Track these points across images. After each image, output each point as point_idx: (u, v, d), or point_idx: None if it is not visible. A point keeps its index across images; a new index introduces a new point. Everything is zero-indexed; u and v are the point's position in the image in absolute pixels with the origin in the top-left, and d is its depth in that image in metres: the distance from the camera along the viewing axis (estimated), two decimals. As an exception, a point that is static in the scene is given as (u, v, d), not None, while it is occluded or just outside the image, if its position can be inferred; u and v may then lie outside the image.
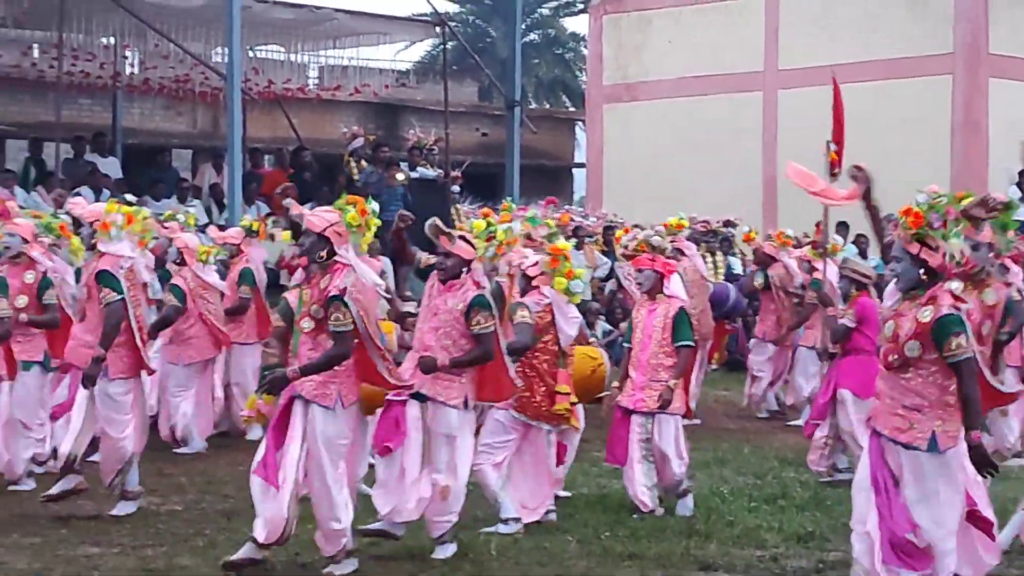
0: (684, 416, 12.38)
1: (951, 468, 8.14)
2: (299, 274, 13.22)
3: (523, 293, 11.40)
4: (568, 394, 11.39)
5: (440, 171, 24.32)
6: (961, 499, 8.23)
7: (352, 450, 9.77)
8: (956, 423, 8.06)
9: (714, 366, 20.60)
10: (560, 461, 11.78)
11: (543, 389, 11.27)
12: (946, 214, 8.07)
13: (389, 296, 15.39)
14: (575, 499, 12.18)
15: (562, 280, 11.21)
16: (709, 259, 21.43)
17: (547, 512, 11.55)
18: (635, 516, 11.92)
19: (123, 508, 11.83)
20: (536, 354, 11.24)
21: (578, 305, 11.99)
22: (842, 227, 24.77)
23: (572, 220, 20.11)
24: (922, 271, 8.12)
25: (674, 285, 12.44)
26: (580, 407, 12.11)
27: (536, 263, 11.40)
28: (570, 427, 11.73)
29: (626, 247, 15.68)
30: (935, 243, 8.05)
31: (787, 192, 29.34)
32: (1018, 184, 27.00)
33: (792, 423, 17.76)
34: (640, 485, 12.06)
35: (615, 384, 12.42)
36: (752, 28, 30.76)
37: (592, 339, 14.39)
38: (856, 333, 13.39)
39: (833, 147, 15.17)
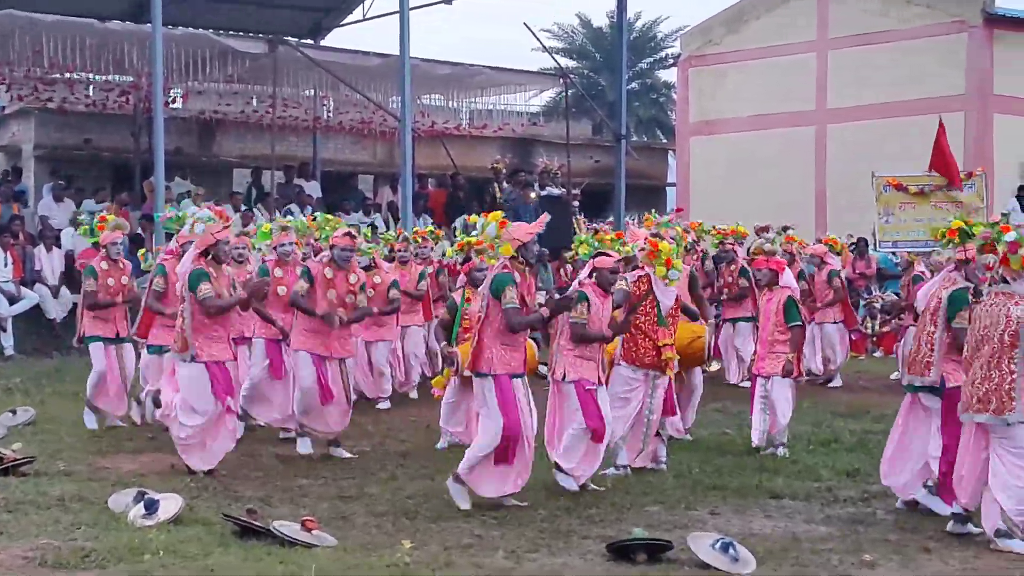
0: (795, 378, 12.19)
1: None
2: (461, 278, 12.97)
3: (632, 270, 11.00)
4: (671, 346, 10.99)
5: (564, 190, 24.22)
6: None
7: None
8: None
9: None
10: (669, 412, 11.28)
11: (648, 343, 10.86)
12: None
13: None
14: (672, 443, 11.90)
15: (661, 268, 10.93)
16: None
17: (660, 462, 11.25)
18: (758, 453, 11.92)
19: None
20: (638, 316, 10.80)
21: None
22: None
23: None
24: None
25: (786, 278, 12.31)
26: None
27: (641, 247, 11.07)
28: (669, 374, 11.17)
29: (747, 251, 15.59)
30: None
31: (834, 204, 29.12)
32: (1017, 197, 26.52)
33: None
34: (755, 429, 12.13)
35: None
36: (806, 76, 30.43)
37: None
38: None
39: (932, 173, 15.08)
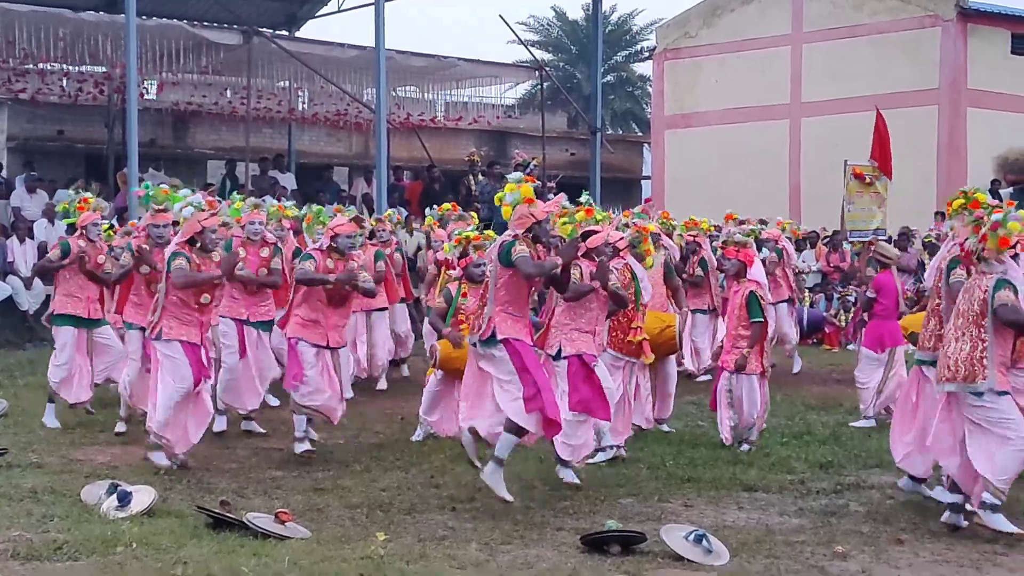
0: (761, 375, 12.06)
1: None
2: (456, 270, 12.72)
3: (609, 259, 10.75)
4: (640, 328, 11.00)
5: (539, 183, 24.27)
6: None
7: None
8: None
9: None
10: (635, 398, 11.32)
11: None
12: None
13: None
14: (647, 435, 11.99)
15: (649, 260, 10.95)
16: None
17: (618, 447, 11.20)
18: (733, 447, 11.81)
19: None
20: None
21: None
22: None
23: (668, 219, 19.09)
24: None
25: (755, 271, 12.26)
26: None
27: (622, 238, 11.00)
28: (642, 359, 11.19)
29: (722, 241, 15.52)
30: None
31: (808, 197, 29.22)
32: (991, 192, 26.62)
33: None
34: (723, 425, 12.03)
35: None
36: (780, 70, 30.56)
37: None
38: (875, 302, 13.24)
39: (874, 163, 15.26)
